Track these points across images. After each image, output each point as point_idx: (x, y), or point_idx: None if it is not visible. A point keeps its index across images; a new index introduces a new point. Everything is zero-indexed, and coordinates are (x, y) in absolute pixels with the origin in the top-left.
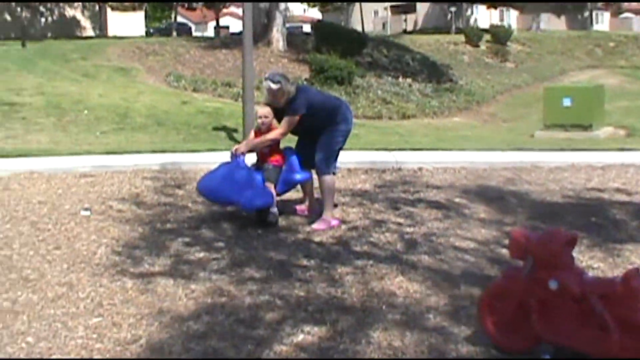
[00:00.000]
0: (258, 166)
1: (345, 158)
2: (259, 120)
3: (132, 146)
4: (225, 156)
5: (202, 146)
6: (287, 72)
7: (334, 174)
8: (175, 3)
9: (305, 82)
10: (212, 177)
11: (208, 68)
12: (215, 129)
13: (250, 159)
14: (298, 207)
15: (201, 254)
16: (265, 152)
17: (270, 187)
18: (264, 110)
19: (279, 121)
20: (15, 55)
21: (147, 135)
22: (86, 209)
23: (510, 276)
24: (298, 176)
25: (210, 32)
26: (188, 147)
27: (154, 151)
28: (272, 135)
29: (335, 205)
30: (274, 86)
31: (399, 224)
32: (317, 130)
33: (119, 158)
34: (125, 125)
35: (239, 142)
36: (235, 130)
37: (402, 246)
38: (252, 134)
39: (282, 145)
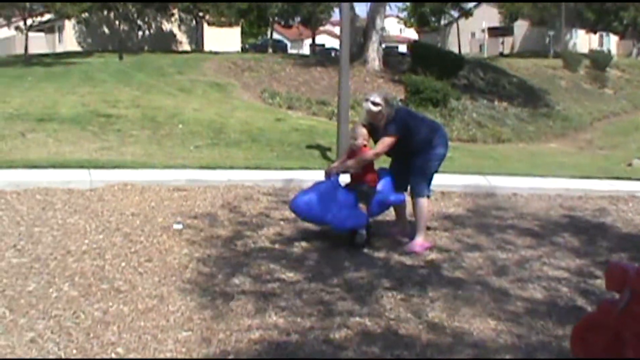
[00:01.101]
0: (352, 186)
1: (439, 181)
2: (353, 142)
3: (225, 162)
4: (318, 175)
5: (295, 164)
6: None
7: (428, 197)
8: (271, 20)
9: (400, 103)
10: (306, 195)
11: (303, 86)
12: (309, 147)
13: (344, 179)
14: (391, 230)
15: (291, 273)
16: (360, 172)
17: (363, 208)
18: (362, 132)
19: (375, 141)
20: (113, 68)
21: (240, 151)
22: (178, 223)
23: (606, 309)
24: (392, 198)
25: (306, 49)
26: (281, 165)
27: (247, 167)
28: (367, 155)
29: (428, 229)
30: (374, 108)
31: (491, 250)
32: (413, 153)
33: (212, 173)
34: (219, 140)
35: (332, 162)
36: (329, 149)
37: (492, 273)
38: (345, 154)
39: (376, 166)
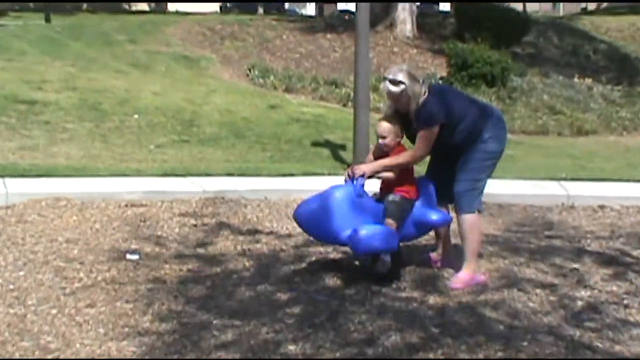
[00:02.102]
0: (381, 196)
1: (494, 189)
2: (380, 141)
3: (199, 166)
4: (327, 183)
5: (296, 168)
6: (416, 68)
7: (479, 212)
8: None
9: (440, 82)
10: (316, 202)
11: (307, 59)
12: (316, 144)
13: (371, 186)
14: (430, 257)
15: (287, 333)
16: (393, 180)
17: (393, 226)
18: (387, 128)
19: (410, 136)
20: (36, 34)
21: (219, 151)
22: (133, 252)
23: None
24: (434, 216)
25: (310, 9)
26: (277, 169)
27: (229, 174)
28: (404, 157)
29: (480, 256)
30: (394, 89)
31: (558, 285)
32: (458, 149)
33: (180, 182)
34: (190, 136)
35: (347, 164)
36: (343, 147)
37: (558, 319)
38: (371, 152)
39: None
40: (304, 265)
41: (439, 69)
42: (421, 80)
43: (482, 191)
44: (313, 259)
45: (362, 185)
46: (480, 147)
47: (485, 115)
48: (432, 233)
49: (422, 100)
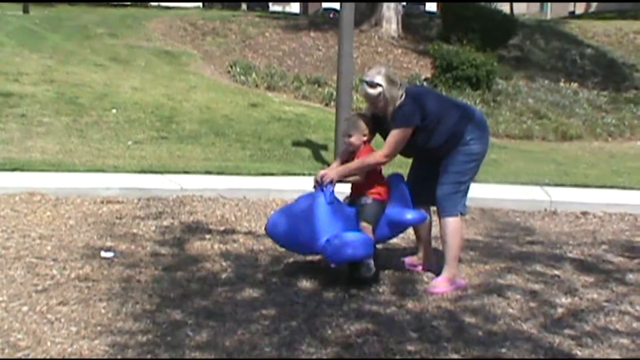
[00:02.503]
0: (352, 200)
1: (477, 193)
2: (346, 140)
3: (177, 163)
4: (309, 183)
5: (276, 167)
6: (401, 68)
7: (462, 214)
8: None
9: (425, 84)
10: (288, 214)
11: (289, 57)
12: (297, 144)
13: (343, 190)
14: (408, 260)
15: (263, 335)
16: (363, 181)
17: (368, 229)
18: (359, 126)
19: (384, 137)
20: (14, 25)
21: (199, 149)
22: (108, 250)
23: None
24: (409, 215)
25: (294, 7)
26: (257, 168)
27: (208, 172)
28: (373, 157)
29: (461, 260)
30: (371, 91)
31: (547, 293)
32: (439, 152)
33: (158, 179)
34: (169, 132)
35: (328, 164)
36: (325, 148)
37: (538, 326)
38: (340, 155)
39: (386, 172)
40: (281, 266)
41: (423, 70)
42: (399, 83)
43: (465, 193)
44: (291, 260)
45: (332, 192)
46: (462, 150)
47: (466, 116)
48: (412, 236)
49: (398, 103)
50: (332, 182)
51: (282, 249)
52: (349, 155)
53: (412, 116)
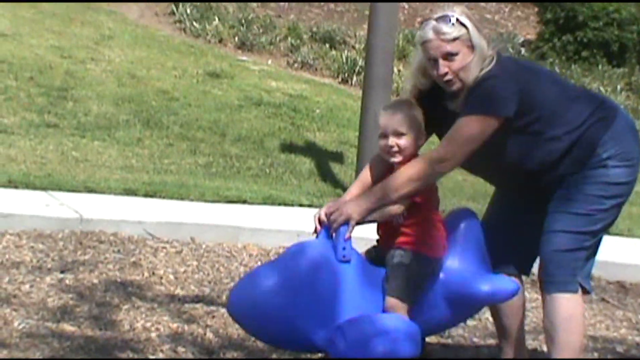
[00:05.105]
0: (380, 252)
1: (614, 255)
2: (389, 142)
3: (73, 172)
4: (307, 222)
5: (252, 190)
6: (482, 21)
7: (585, 291)
8: None
9: (523, 55)
10: (267, 281)
11: None
12: (290, 148)
13: (365, 233)
14: None
15: None
16: (398, 220)
17: (402, 309)
18: (400, 118)
19: (439, 134)
20: None
21: (113, 148)
22: None
23: None
24: (485, 286)
25: None
26: (215, 189)
27: (129, 191)
28: (420, 166)
29: None
30: (448, 30)
31: None
32: (545, 177)
33: (37, 200)
34: (61, 117)
35: (345, 187)
36: (339, 157)
37: None
38: (367, 170)
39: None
40: None
41: (522, 26)
42: (493, 40)
43: (592, 255)
44: (282, 357)
45: (348, 243)
46: (592, 175)
47: (603, 117)
48: (489, 324)
49: (484, 72)
50: (348, 224)
51: (257, 341)
52: (385, 170)
53: (505, 98)
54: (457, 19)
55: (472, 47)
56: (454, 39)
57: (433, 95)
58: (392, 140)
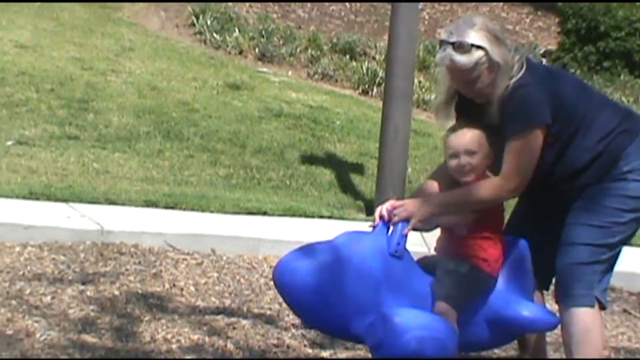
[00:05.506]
0: (430, 261)
1: (633, 265)
2: (462, 161)
3: (94, 184)
4: (330, 231)
5: (272, 202)
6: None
7: (601, 305)
8: None
9: (545, 62)
10: (317, 258)
11: (302, 6)
12: (310, 160)
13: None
14: None
15: None
16: (462, 230)
17: (448, 314)
18: (473, 138)
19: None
20: None
21: (134, 160)
22: None
23: None
24: (526, 312)
25: None
26: (236, 201)
27: (150, 203)
28: (487, 188)
29: None
30: (463, 60)
31: None
32: (566, 188)
33: (58, 211)
34: (82, 128)
35: (367, 201)
36: (359, 169)
37: None
38: (430, 184)
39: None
40: None
41: (543, 37)
42: (508, 45)
43: (609, 270)
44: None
45: (404, 238)
46: (612, 188)
47: (628, 129)
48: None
49: (514, 81)
50: (408, 221)
51: (298, 344)
52: (451, 184)
53: (538, 106)
54: (472, 45)
55: (493, 65)
56: (472, 67)
57: (467, 109)
58: (464, 159)
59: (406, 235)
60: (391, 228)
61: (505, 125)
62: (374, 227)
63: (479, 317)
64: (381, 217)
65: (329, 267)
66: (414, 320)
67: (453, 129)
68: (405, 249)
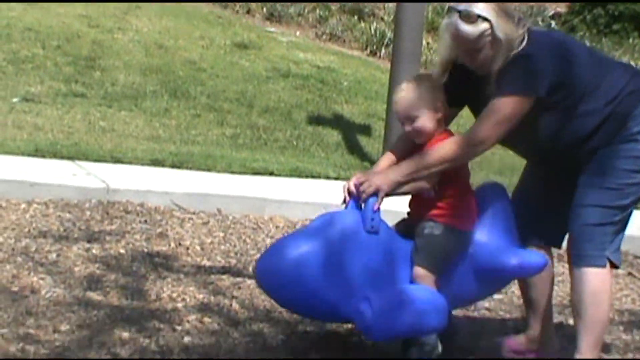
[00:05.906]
0: (409, 227)
1: (637, 229)
2: (406, 128)
3: (100, 142)
4: (336, 194)
5: (279, 162)
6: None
7: (614, 265)
8: None
9: (553, 26)
10: (296, 246)
11: None
12: (317, 121)
13: (393, 207)
14: (510, 343)
15: None
16: (432, 193)
17: (430, 280)
18: (407, 100)
19: (475, 112)
20: None
21: (140, 118)
22: None
23: None
24: (514, 259)
25: None
26: (242, 161)
27: (156, 162)
28: (455, 146)
29: (608, 346)
30: (467, 29)
31: None
32: (577, 152)
33: (64, 169)
34: (88, 86)
35: (372, 160)
36: (367, 130)
37: None
38: (397, 143)
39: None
40: (294, 340)
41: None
42: (517, 18)
43: (622, 229)
44: (308, 329)
45: (377, 213)
46: (623, 149)
47: (636, 89)
48: (517, 298)
49: (515, 52)
50: (377, 195)
51: (284, 312)
52: (412, 148)
53: (537, 78)
54: (479, 15)
55: (496, 39)
56: (473, 37)
57: (467, 74)
58: (408, 127)
59: (378, 209)
60: (362, 205)
61: (496, 87)
62: (346, 203)
63: (465, 272)
64: (350, 193)
65: (310, 258)
66: (395, 300)
67: (394, 98)
68: (382, 223)
